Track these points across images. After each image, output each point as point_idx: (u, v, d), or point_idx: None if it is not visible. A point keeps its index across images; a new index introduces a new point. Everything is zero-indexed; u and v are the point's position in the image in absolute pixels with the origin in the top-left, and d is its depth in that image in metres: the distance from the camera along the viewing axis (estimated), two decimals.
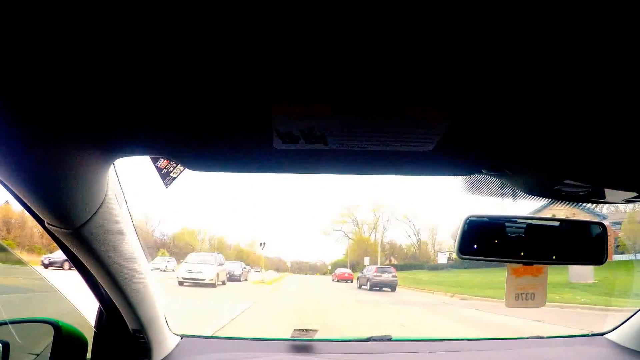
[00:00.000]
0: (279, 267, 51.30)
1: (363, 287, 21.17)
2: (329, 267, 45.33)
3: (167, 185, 1.10)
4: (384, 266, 24.48)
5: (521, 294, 1.47)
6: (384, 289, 19.88)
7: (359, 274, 23.56)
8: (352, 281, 25.53)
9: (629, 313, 2.11)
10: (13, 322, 1.34)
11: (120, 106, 0.78)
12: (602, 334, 2.23)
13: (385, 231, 42.30)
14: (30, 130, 0.76)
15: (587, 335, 2.34)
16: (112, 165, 1.03)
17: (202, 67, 0.66)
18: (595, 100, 0.74)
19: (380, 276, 20.50)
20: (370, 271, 21.61)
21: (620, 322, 2.19)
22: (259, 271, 34.84)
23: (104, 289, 1.29)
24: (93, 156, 0.92)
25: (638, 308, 2.10)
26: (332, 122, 0.83)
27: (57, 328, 1.34)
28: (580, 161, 1.01)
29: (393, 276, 20.63)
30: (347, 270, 29.77)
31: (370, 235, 44.93)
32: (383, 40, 0.59)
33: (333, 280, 27.57)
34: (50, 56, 0.62)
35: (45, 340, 1.36)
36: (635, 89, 0.70)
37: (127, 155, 0.99)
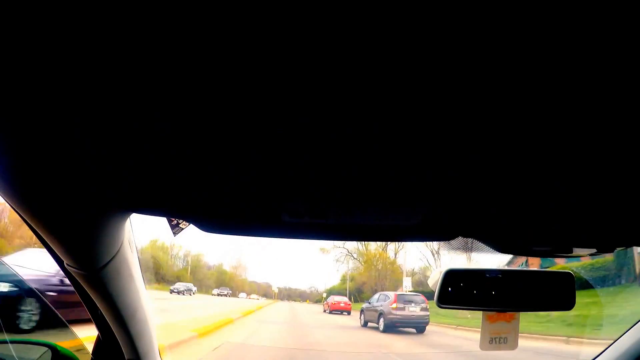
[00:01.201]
0: (266, 293, 48.63)
1: (371, 324, 14.42)
2: (324, 295, 40.91)
3: (175, 234, 1.21)
4: (409, 293, 16.49)
5: (495, 338, 1.57)
6: (406, 329, 13.20)
7: (365, 305, 16.24)
8: (349, 313, 21.55)
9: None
10: (13, 342, 1.43)
11: (142, 170, 0.90)
12: None
13: (400, 249, 33.40)
14: (60, 188, 0.87)
15: None
16: (128, 218, 1.16)
17: (225, 144, 0.77)
18: (554, 174, 0.86)
19: (404, 309, 13.32)
20: (385, 301, 14.27)
21: (596, 354, 2.27)
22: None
23: (106, 321, 1.39)
24: (113, 213, 1.04)
25: (615, 338, 2.18)
26: (333, 203, 0.99)
27: (55, 351, 1.43)
28: (545, 226, 1.14)
29: (423, 309, 13.61)
30: (343, 299, 24.91)
31: (391, 252, 35.38)
32: (363, 152, 0.76)
33: (325, 310, 23.75)
34: (82, 122, 0.71)
35: None
36: (586, 162, 0.80)
37: (144, 213, 1.11)
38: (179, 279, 34.31)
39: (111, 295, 1.22)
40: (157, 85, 0.61)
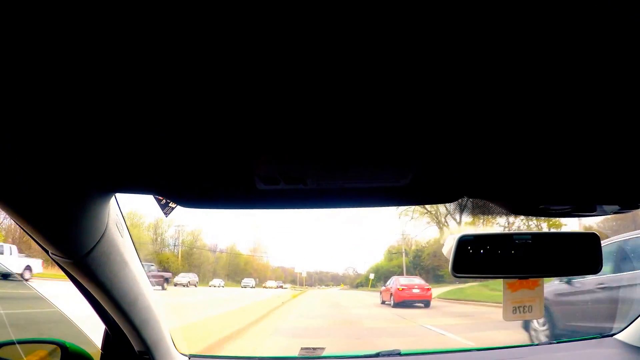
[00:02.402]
0: (293, 279, 46.26)
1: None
2: (371, 277, 36.65)
3: (166, 214, 1.20)
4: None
5: (518, 307, 1.55)
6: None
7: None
8: (428, 304, 15.64)
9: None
10: (21, 342, 1.45)
11: (120, 149, 0.88)
12: (612, 335, 2.31)
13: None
14: (34, 167, 0.84)
15: (597, 337, 2.42)
16: (112, 198, 1.13)
17: (192, 119, 0.76)
18: (569, 123, 0.81)
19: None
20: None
21: (628, 322, 2.28)
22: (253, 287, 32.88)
23: (109, 313, 1.39)
24: (92, 192, 1.02)
25: None
26: (310, 166, 0.93)
27: (64, 349, 1.44)
28: (560, 182, 1.08)
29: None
30: (416, 281, 17.42)
31: None
32: (353, 96, 0.70)
33: (384, 302, 17.10)
34: (56, 96, 0.70)
35: None
36: (609, 108, 0.75)
37: (124, 192, 1.09)
38: (169, 266, 30.59)
39: (104, 283, 1.20)
40: (133, 63, 0.61)
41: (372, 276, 36.87)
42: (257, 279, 39.15)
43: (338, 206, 1.18)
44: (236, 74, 0.63)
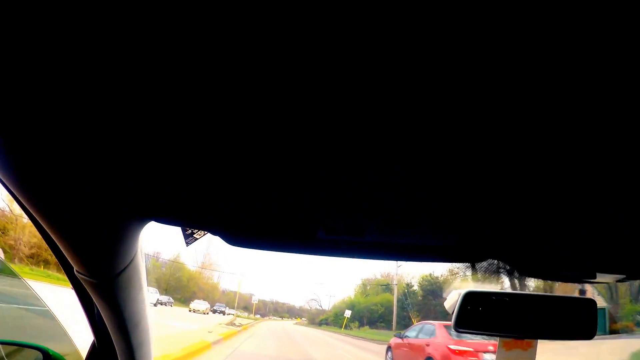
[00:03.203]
0: (247, 305, 43.81)
1: None
2: (346, 314, 33.42)
3: (188, 244, 1.21)
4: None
5: None
6: None
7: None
8: None
9: None
10: (3, 343, 1.43)
11: (163, 181, 0.92)
12: None
13: None
14: (81, 188, 0.87)
15: None
16: (144, 228, 1.16)
17: (254, 155, 0.78)
18: (587, 198, 0.86)
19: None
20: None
21: None
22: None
23: (105, 328, 1.39)
24: (131, 221, 1.05)
25: None
26: (369, 223, 1.01)
27: (46, 355, 1.44)
28: (572, 251, 1.15)
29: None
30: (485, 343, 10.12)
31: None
32: (399, 175, 0.79)
33: None
34: (102, 126, 0.72)
35: None
36: (610, 182, 0.80)
37: (162, 222, 1.12)
38: None
39: (119, 304, 1.22)
40: (175, 89, 0.62)
41: (348, 313, 32.96)
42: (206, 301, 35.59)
43: (388, 258, 1.26)
44: (298, 118, 0.65)
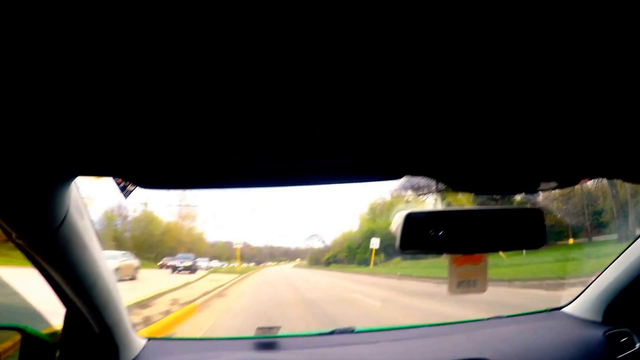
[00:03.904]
0: (230, 256, 39.13)
1: None
2: (374, 247, 25.64)
3: (125, 196, 1.23)
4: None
5: (463, 281, 1.68)
6: None
7: None
8: None
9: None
10: None
11: (79, 132, 0.90)
12: (560, 308, 2.53)
13: None
14: None
15: (546, 310, 2.62)
16: (73, 182, 1.18)
17: (153, 99, 0.78)
18: (510, 106, 0.85)
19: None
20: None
21: (576, 295, 2.50)
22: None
23: (69, 295, 1.46)
24: (53, 176, 1.07)
25: (592, 280, 2.39)
26: (259, 148, 1.03)
27: (24, 333, 1.51)
28: (502, 163, 1.18)
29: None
30: None
31: None
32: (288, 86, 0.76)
33: None
34: (15, 80, 0.70)
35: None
36: (548, 90, 0.80)
37: (85, 175, 1.13)
38: None
39: (65, 266, 1.28)
40: (91, 45, 0.61)
41: (375, 243, 25.59)
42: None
43: (289, 184, 1.27)
44: (194, 54, 0.64)
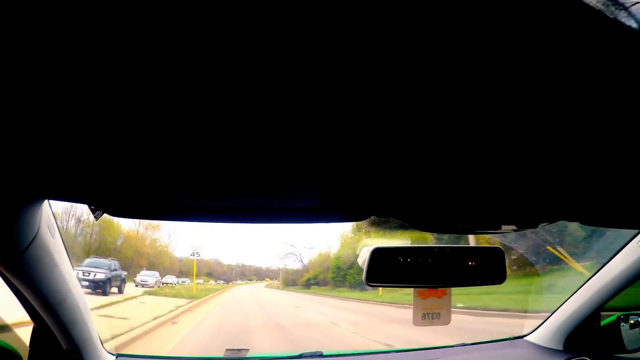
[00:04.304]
0: (210, 271, 38.13)
1: None
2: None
3: (96, 218, 1.23)
4: None
5: (427, 313, 1.76)
6: None
7: None
8: None
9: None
10: None
11: (50, 157, 0.89)
12: (523, 337, 2.62)
13: None
14: None
15: (509, 338, 2.70)
16: (45, 203, 1.21)
17: (116, 128, 0.74)
18: (472, 148, 0.84)
19: None
20: None
21: (538, 325, 2.59)
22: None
23: (38, 312, 1.48)
24: (24, 198, 1.09)
25: (554, 310, 2.49)
26: (227, 185, 1.04)
27: None
28: (465, 203, 1.21)
29: None
30: None
31: None
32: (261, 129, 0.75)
33: None
34: None
35: None
36: (512, 135, 0.78)
37: (56, 199, 1.16)
38: None
39: (34, 283, 1.30)
40: (58, 65, 0.57)
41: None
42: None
43: (253, 222, 1.29)
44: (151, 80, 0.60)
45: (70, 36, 0.50)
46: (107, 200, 1.14)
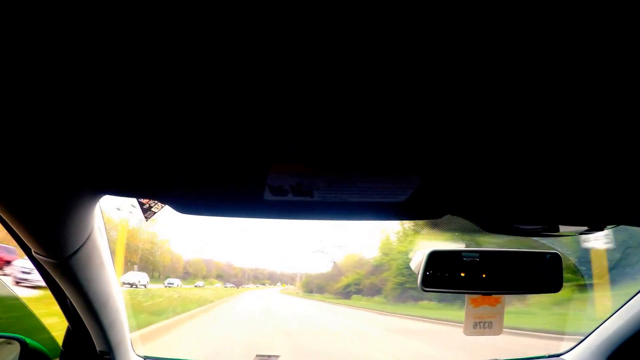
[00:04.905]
0: (220, 273, 36.30)
1: None
2: None
3: (147, 218, 1.27)
4: None
5: (479, 322, 1.71)
6: None
7: None
8: None
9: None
10: None
11: (114, 150, 0.91)
12: (559, 355, 2.51)
13: None
14: (26, 166, 0.89)
15: (544, 356, 2.59)
16: (99, 201, 1.19)
17: (197, 121, 0.78)
18: (541, 150, 0.88)
19: None
20: None
21: (576, 343, 2.48)
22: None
23: (76, 311, 1.46)
24: (83, 193, 1.08)
25: (593, 329, 2.39)
26: (318, 179, 1.01)
27: (24, 345, 1.49)
28: (532, 204, 1.20)
29: None
30: None
31: None
32: (359, 123, 0.78)
33: None
34: (48, 96, 0.71)
35: (10, 356, 1.50)
36: (583, 135, 0.81)
37: (115, 195, 1.14)
38: None
39: (82, 284, 1.28)
40: (128, 61, 0.62)
41: None
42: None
43: (341, 219, 1.27)
44: (243, 75, 0.65)
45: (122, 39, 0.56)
46: (179, 196, 1.13)
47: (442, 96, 0.69)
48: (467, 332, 1.72)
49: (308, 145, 0.87)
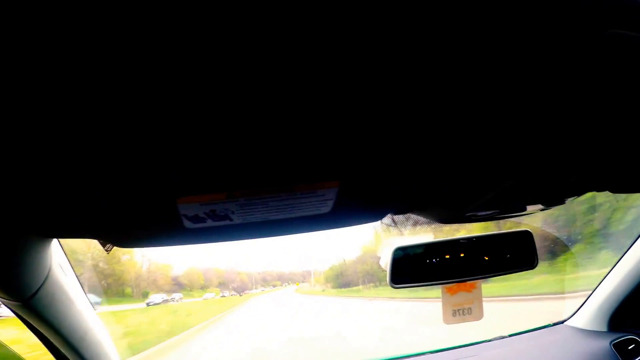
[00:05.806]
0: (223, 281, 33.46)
1: None
2: None
3: (107, 251, 1.26)
4: None
5: (458, 310, 1.71)
6: None
7: None
8: None
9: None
10: None
11: (54, 198, 0.89)
12: (563, 322, 2.56)
13: None
14: None
15: (549, 325, 2.63)
16: (52, 242, 1.20)
17: (113, 169, 0.77)
18: (487, 125, 0.81)
19: None
20: None
21: (577, 307, 2.52)
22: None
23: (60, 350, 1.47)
24: (32, 238, 1.09)
25: (591, 291, 2.42)
26: (231, 204, 0.99)
27: None
28: (484, 188, 1.16)
29: None
30: None
31: None
32: (267, 136, 0.73)
33: None
34: None
35: None
36: (526, 108, 0.77)
37: (63, 237, 1.17)
38: None
39: (52, 322, 1.30)
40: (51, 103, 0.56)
41: None
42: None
43: (265, 236, 1.26)
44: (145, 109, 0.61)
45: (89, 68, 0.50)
46: (115, 233, 1.14)
47: (355, 91, 0.63)
48: (446, 321, 1.72)
49: (209, 174, 0.85)
